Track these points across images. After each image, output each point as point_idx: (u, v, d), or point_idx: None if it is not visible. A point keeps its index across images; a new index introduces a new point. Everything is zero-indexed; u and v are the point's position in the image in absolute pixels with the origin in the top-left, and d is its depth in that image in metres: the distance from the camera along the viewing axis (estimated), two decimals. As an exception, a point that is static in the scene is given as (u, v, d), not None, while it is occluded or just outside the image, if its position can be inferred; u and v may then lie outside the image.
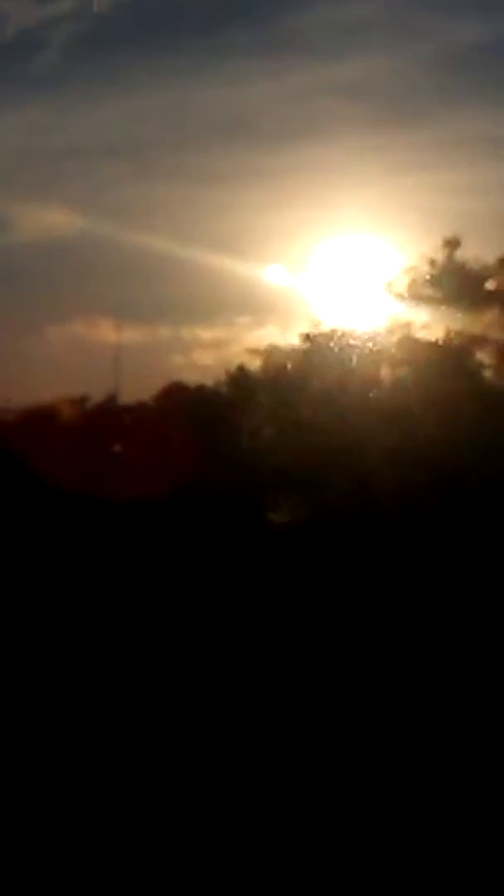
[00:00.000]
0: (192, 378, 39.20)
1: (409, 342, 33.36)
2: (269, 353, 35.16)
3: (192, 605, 21.84)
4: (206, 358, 47.28)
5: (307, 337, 34.50)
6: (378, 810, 10.92)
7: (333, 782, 11.75)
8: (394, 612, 21.38)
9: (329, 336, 34.33)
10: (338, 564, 25.99)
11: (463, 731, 13.62)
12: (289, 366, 34.57)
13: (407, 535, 27.94)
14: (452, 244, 34.07)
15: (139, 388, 38.67)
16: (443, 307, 33.76)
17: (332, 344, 33.90)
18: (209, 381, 36.72)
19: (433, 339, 33.42)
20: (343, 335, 34.11)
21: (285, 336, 36.01)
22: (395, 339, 33.37)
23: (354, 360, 33.55)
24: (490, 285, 33.63)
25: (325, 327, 34.51)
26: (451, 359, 32.57)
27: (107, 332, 46.31)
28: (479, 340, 33.13)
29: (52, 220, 54.79)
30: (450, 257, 34.10)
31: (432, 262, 34.13)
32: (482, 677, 16.44)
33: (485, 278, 33.87)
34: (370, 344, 33.71)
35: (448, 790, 11.49)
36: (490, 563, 25.67)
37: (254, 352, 35.66)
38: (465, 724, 13.92)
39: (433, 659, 17.84)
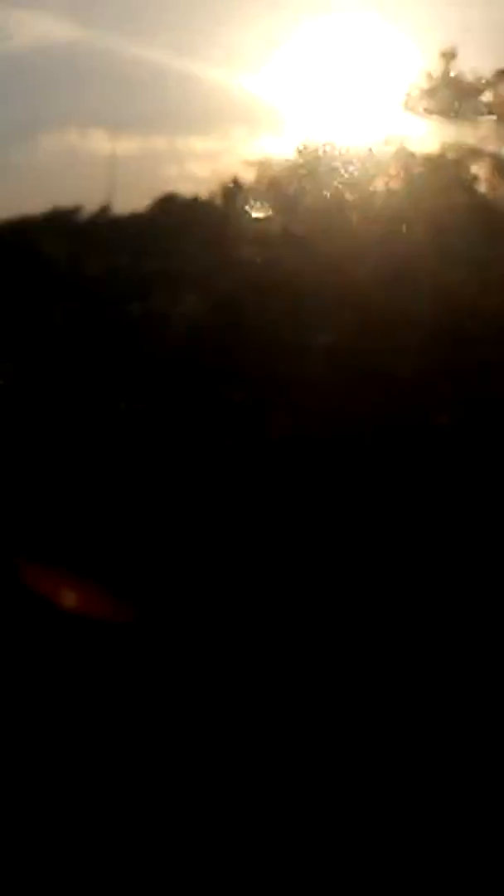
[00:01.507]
0: (186, 189, 38.95)
1: (404, 155, 33.22)
2: (263, 165, 34.97)
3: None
4: (200, 169, 46.79)
5: (301, 149, 34.29)
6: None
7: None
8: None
9: (323, 148, 34.13)
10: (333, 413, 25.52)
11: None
12: (282, 177, 34.42)
13: (404, 355, 28.11)
14: (448, 56, 33.66)
15: (133, 200, 38.36)
16: (438, 120, 33.54)
17: (326, 156, 33.74)
18: (204, 193, 36.58)
19: (428, 152, 33.30)
20: (337, 147, 33.94)
21: (280, 148, 35.78)
22: (390, 152, 33.21)
23: (348, 172, 33.45)
24: (486, 97, 33.34)
25: (320, 139, 34.29)
26: (447, 172, 32.52)
27: (100, 143, 45.73)
28: (474, 153, 33.02)
29: (46, 27, 53.47)
30: (445, 69, 33.72)
31: (428, 75, 33.76)
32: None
33: (481, 91, 33.56)
34: (364, 156, 33.58)
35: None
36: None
37: (249, 164, 35.45)
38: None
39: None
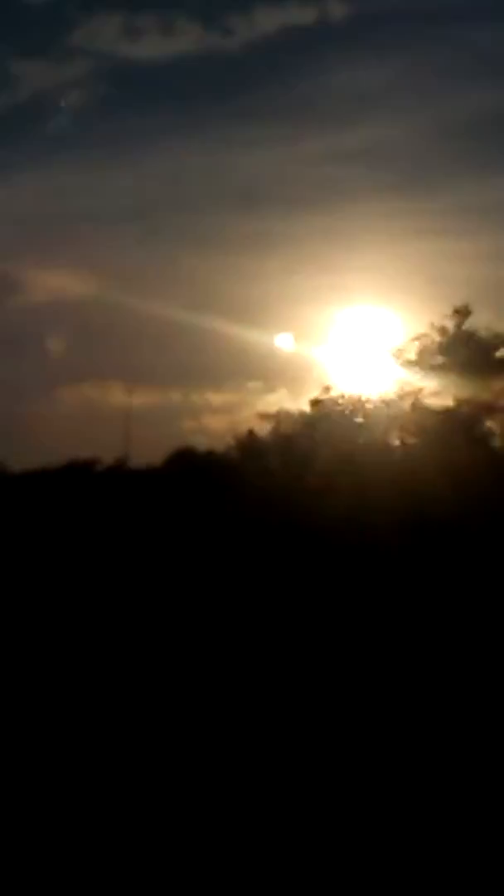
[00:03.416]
0: (202, 442, 39.36)
1: (419, 409, 33.38)
2: (279, 418, 35.27)
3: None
4: (216, 422, 47.56)
5: (317, 402, 34.59)
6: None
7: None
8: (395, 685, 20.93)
9: (338, 402, 34.45)
10: (347, 637, 25.66)
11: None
12: (298, 431, 34.64)
13: (415, 601, 27.71)
14: (462, 313, 34.15)
15: (150, 452, 38.76)
16: (452, 375, 33.79)
17: (341, 409, 34.00)
18: (219, 446, 36.89)
19: (442, 406, 33.45)
20: (352, 401, 34.21)
21: (295, 402, 36.17)
22: (404, 405, 33.39)
23: (363, 426, 33.62)
24: (500, 354, 33.65)
25: (335, 393, 34.64)
26: (460, 426, 32.56)
27: (118, 396, 46.55)
28: (488, 408, 33.13)
29: (65, 283, 55.34)
30: (460, 326, 34.19)
31: (442, 331, 34.21)
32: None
33: (495, 347, 33.93)
34: (379, 410, 33.78)
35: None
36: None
37: (264, 417, 35.79)
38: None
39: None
